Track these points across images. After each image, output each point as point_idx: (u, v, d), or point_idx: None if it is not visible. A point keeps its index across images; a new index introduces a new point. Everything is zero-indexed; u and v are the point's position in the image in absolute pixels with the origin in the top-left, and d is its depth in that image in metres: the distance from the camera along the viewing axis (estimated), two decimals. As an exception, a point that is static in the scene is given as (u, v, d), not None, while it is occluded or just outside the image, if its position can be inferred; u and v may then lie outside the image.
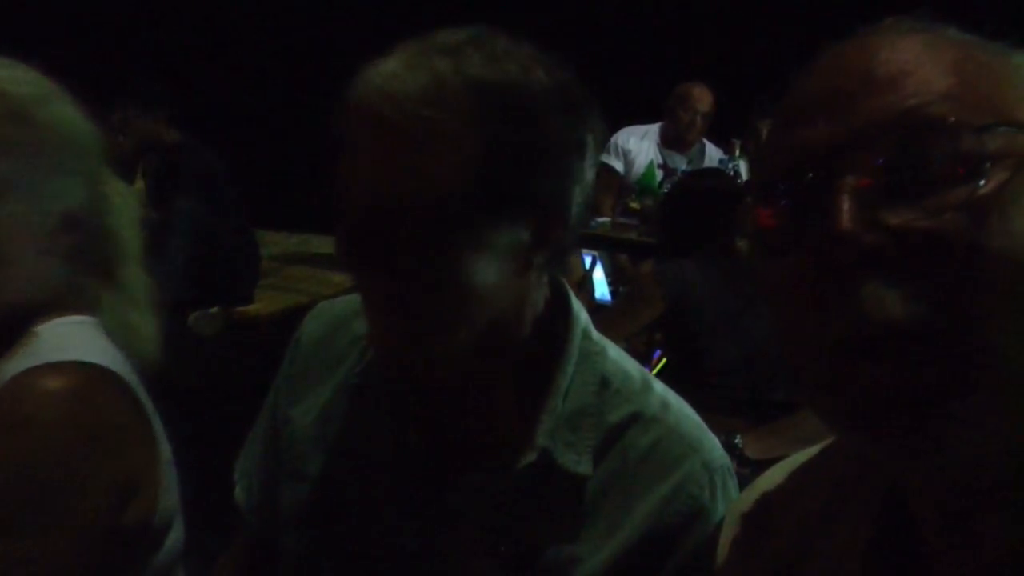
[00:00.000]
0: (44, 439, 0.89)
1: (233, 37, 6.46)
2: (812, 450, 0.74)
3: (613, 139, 4.62)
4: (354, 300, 1.00)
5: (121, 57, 5.76)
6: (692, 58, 5.15)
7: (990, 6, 0.60)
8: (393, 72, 0.77)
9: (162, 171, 4.19)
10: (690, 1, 5.71)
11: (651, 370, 2.80)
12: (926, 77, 0.52)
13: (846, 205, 0.50)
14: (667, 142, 4.58)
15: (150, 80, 4.27)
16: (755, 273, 0.58)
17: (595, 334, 0.94)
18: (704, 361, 2.37)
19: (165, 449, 1.06)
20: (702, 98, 4.43)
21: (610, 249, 4.24)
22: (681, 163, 4.53)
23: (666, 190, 3.98)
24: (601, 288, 3.87)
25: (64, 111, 1.01)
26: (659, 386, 0.94)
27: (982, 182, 0.49)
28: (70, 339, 1.00)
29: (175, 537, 1.07)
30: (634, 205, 4.39)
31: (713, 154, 4.59)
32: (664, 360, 2.79)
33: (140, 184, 4.43)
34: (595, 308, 3.52)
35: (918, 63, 0.53)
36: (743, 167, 4.29)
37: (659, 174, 4.46)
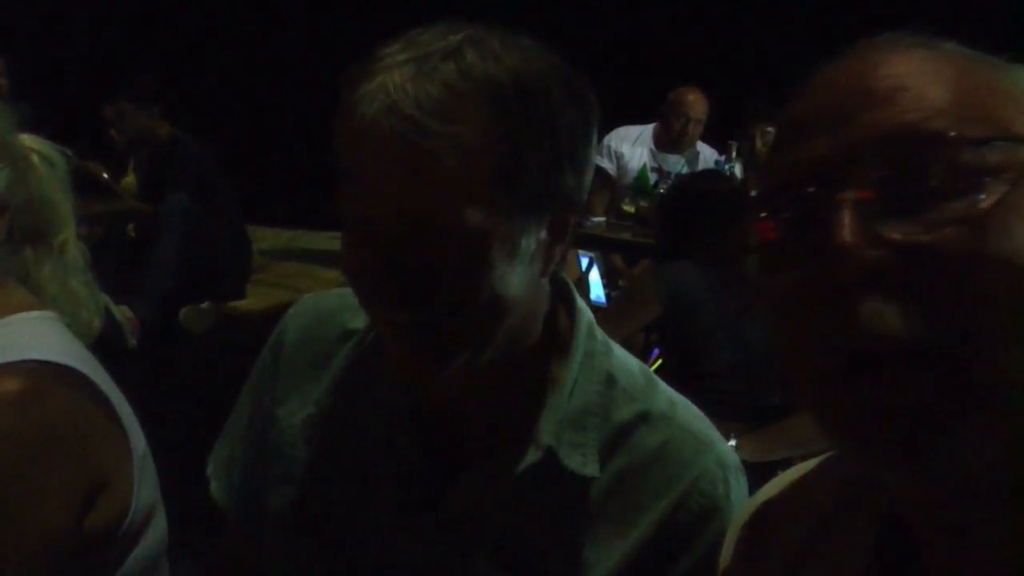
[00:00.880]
0: None
1: (228, 32, 6.44)
2: (812, 462, 0.74)
3: (605, 141, 4.60)
4: (340, 294, 0.97)
5: (115, 51, 5.73)
6: (689, 59, 5.16)
7: (987, 22, 0.60)
8: (401, 87, 0.73)
9: (154, 165, 4.18)
10: (688, 3, 5.72)
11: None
12: (925, 92, 0.52)
13: (846, 219, 0.50)
14: (661, 145, 4.58)
15: (144, 74, 4.26)
16: (755, 287, 0.57)
17: (599, 332, 0.92)
18: (700, 363, 2.36)
19: (139, 443, 1.04)
20: (695, 104, 4.42)
21: (604, 250, 4.24)
22: (676, 165, 4.54)
23: (662, 191, 3.98)
24: (596, 290, 3.87)
25: None
26: (663, 385, 0.92)
27: (982, 196, 0.49)
28: (28, 337, 0.98)
29: (156, 531, 1.06)
30: (627, 208, 4.39)
31: (708, 156, 4.60)
32: (660, 361, 2.78)
33: (131, 178, 4.42)
34: (592, 310, 3.52)
35: (917, 78, 0.53)
36: (738, 169, 4.30)
37: (653, 177, 4.47)
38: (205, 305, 3.85)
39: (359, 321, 0.94)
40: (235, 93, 6.10)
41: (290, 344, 0.98)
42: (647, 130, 4.61)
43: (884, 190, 0.51)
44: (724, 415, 2.23)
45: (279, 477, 0.95)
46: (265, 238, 5.38)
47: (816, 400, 0.55)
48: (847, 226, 0.50)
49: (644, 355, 2.77)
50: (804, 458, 0.77)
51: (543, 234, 0.80)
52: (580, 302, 0.92)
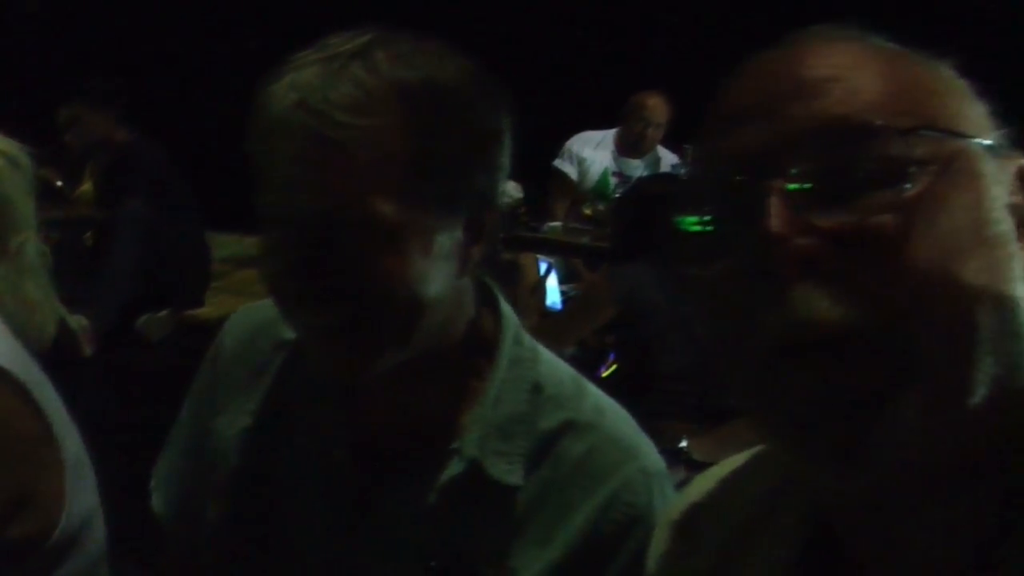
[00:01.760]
0: None
1: (185, 35, 6.38)
2: (740, 457, 0.74)
3: (568, 145, 4.63)
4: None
5: (70, 54, 5.65)
6: (650, 64, 5.20)
7: (915, 18, 0.62)
8: (310, 83, 0.74)
9: (111, 171, 4.12)
10: (648, 8, 5.76)
11: (604, 372, 2.83)
12: (854, 83, 0.53)
13: (776, 209, 0.51)
14: (622, 149, 4.60)
15: (100, 77, 4.19)
16: (686, 280, 0.57)
17: (527, 338, 0.91)
18: (654, 365, 2.39)
19: (72, 451, 1.02)
20: (656, 109, 4.44)
21: (563, 254, 4.26)
22: (636, 170, 4.56)
23: (619, 195, 4.01)
24: (553, 296, 3.89)
25: None
26: (593, 390, 0.91)
27: (908, 185, 0.50)
28: None
29: (94, 540, 1.04)
30: (587, 211, 4.41)
31: (669, 160, 4.61)
32: (615, 366, 2.80)
33: (88, 185, 4.35)
34: (546, 314, 3.54)
35: (847, 69, 0.54)
36: (695, 174, 4.34)
37: (613, 181, 4.49)
38: (163, 313, 3.81)
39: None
40: (194, 97, 6.04)
41: (227, 354, 0.98)
42: (609, 135, 4.63)
43: (814, 179, 0.51)
44: (678, 416, 2.27)
45: (215, 488, 0.94)
46: (226, 245, 5.32)
47: (749, 390, 0.55)
48: (777, 215, 0.50)
49: (600, 359, 2.80)
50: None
51: (459, 232, 0.80)
52: (506, 308, 0.91)
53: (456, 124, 0.77)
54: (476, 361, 0.88)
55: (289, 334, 0.93)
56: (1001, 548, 0.52)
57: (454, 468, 0.84)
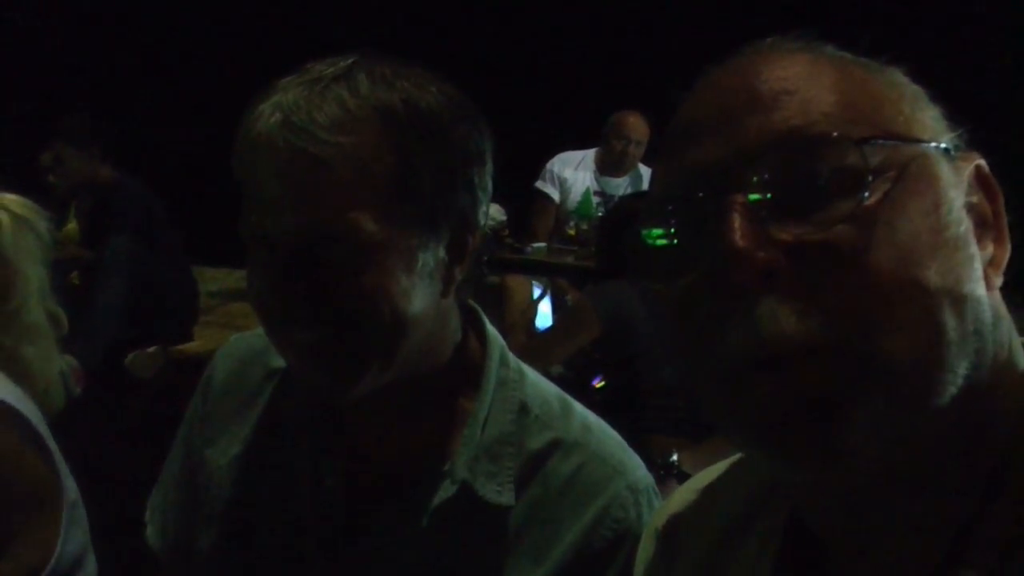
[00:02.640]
0: None
1: (169, 73, 6.40)
2: (722, 465, 0.75)
3: (548, 166, 4.65)
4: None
5: (53, 94, 5.65)
6: (630, 82, 5.24)
7: (864, 25, 0.64)
8: (295, 103, 0.76)
9: (96, 210, 4.11)
10: (629, 28, 5.82)
11: (598, 384, 2.83)
12: (809, 95, 0.54)
13: (737, 223, 0.51)
14: (603, 168, 4.63)
15: (83, 117, 4.19)
16: (652, 295, 0.58)
17: (512, 359, 0.93)
18: (641, 381, 2.40)
19: (72, 491, 1.03)
20: (636, 127, 4.47)
21: (549, 274, 4.27)
22: (618, 188, 4.58)
23: (602, 214, 4.03)
24: (545, 320, 3.90)
25: None
26: (580, 409, 0.93)
27: (866, 194, 0.51)
28: None
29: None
30: (571, 232, 4.42)
31: (649, 177, 4.65)
32: (604, 384, 2.81)
33: (73, 224, 4.35)
34: (532, 334, 3.55)
35: (801, 82, 0.55)
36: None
37: (596, 200, 4.51)
38: (152, 349, 3.79)
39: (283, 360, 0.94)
40: (179, 133, 6.05)
41: (218, 385, 0.99)
42: (589, 154, 4.65)
43: (773, 192, 0.52)
44: (666, 430, 2.28)
45: (207, 517, 0.95)
46: (214, 279, 5.33)
47: (719, 403, 0.55)
48: (738, 229, 0.51)
49: (588, 375, 2.80)
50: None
51: (441, 252, 0.82)
52: (491, 331, 0.93)
53: (436, 145, 0.79)
54: (463, 384, 0.89)
55: (279, 362, 0.94)
56: (972, 539, 0.53)
57: (445, 491, 0.85)
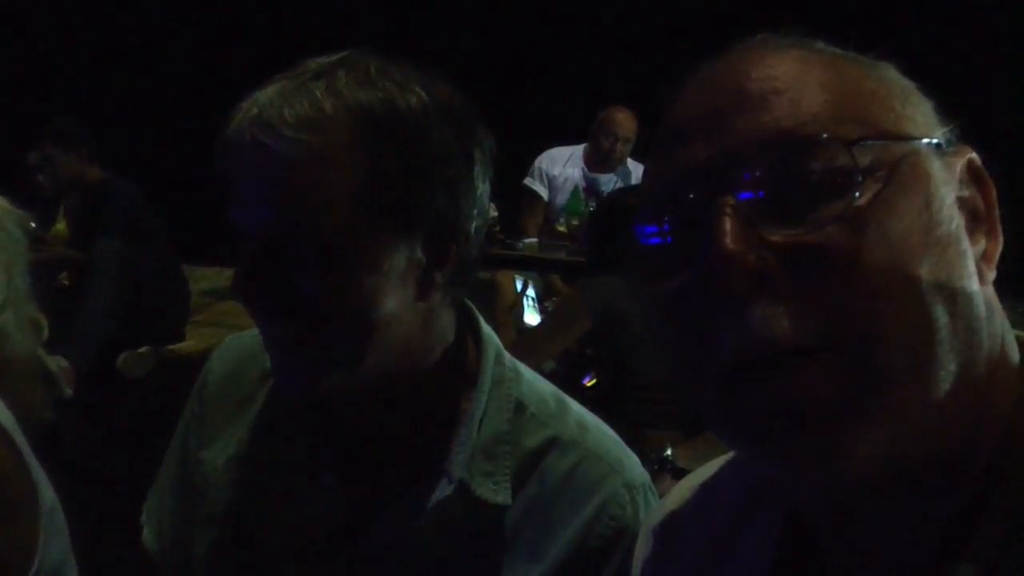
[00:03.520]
0: None
1: (157, 72, 6.37)
2: (718, 461, 0.74)
3: (537, 163, 4.65)
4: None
5: (40, 94, 5.62)
6: (619, 79, 5.25)
7: (854, 19, 0.63)
8: (269, 101, 0.77)
9: (85, 210, 4.09)
10: (619, 23, 5.81)
11: (588, 382, 2.83)
12: (798, 95, 0.54)
13: (728, 225, 0.51)
14: (592, 165, 4.63)
15: (70, 116, 4.17)
16: (644, 295, 0.57)
17: (508, 358, 0.93)
18: (633, 376, 2.40)
19: (48, 497, 1.02)
20: (624, 123, 4.48)
21: (541, 270, 4.27)
22: (607, 184, 4.58)
23: (592, 209, 4.03)
24: (529, 312, 3.90)
25: None
26: (575, 407, 0.93)
27: (857, 194, 0.51)
28: None
29: None
30: (561, 229, 4.42)
31: (639, 173, 4.65)
32: (596, 380, 2.81)
33: (62, 225, 4.33)
34: (522, 330, 3.55)
35: (790, 81, 0.54)
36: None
37: (584, 196, 4.51)
38: (143, 349, 3.78)
39: None
40: (167, 132, 6.02)
41: (213, 386, 0.99)
42: (577, 151, 4.65)
43: (763, 193, 0.52)
44: (660, 425, 2.28)
45: (204, 519, 0.95)
46: (205, 278, 5.30)
47: (711, 405, 0.55)
48: (728, 232, 0.50)
49: (579, 371, 2.81)
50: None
51: (417, 254, 0.81)
52: (486, 330, 0.93)
53: (412, 146, 0.78)
54: (458, 383, 0.89)
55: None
56: (966, 537, 0.53)
57: (442, 490, 0.85)
